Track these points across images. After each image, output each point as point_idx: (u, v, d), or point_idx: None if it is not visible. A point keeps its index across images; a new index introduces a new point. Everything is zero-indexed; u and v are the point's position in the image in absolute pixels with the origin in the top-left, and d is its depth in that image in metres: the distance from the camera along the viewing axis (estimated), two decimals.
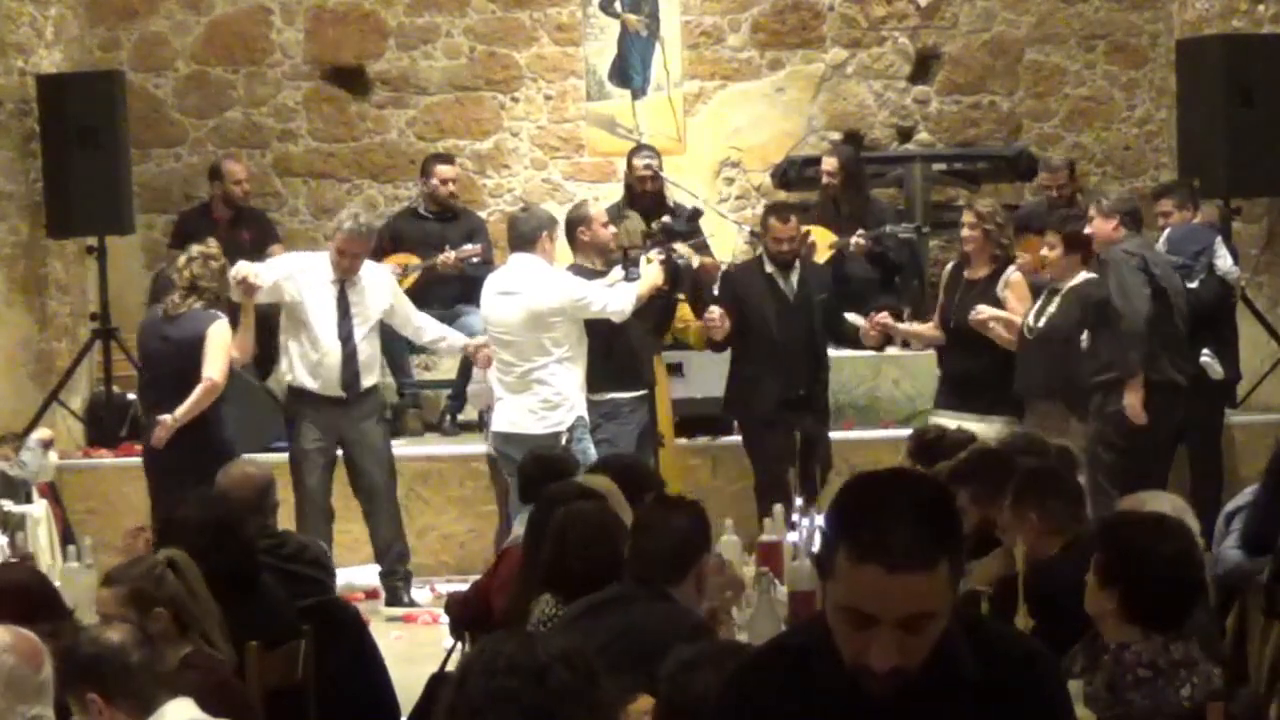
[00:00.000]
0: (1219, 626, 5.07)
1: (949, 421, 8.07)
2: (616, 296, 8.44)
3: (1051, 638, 4.03)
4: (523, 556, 5.49)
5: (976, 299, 8.38)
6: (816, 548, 4.83)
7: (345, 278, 8.56)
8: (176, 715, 3.79)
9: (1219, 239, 9.09)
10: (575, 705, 2.64)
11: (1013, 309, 8.33)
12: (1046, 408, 8.09)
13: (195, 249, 8.15)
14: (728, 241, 10.66)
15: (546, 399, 8.23)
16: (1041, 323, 8.17)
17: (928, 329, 8.85)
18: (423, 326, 8.94)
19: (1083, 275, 8.20)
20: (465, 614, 5.95)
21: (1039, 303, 8.25)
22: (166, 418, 7.90)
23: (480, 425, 9.35)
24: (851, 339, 9.07)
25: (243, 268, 8.31)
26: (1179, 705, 3.92)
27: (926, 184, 10.77)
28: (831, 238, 10.00)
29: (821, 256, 9.93)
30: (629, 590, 4.50)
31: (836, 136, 11.60)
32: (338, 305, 8.55)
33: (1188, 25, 11.05)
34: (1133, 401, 7.99)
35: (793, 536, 6.31)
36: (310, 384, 8.55)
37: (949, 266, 8.82)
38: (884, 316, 8.68)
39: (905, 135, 11.78)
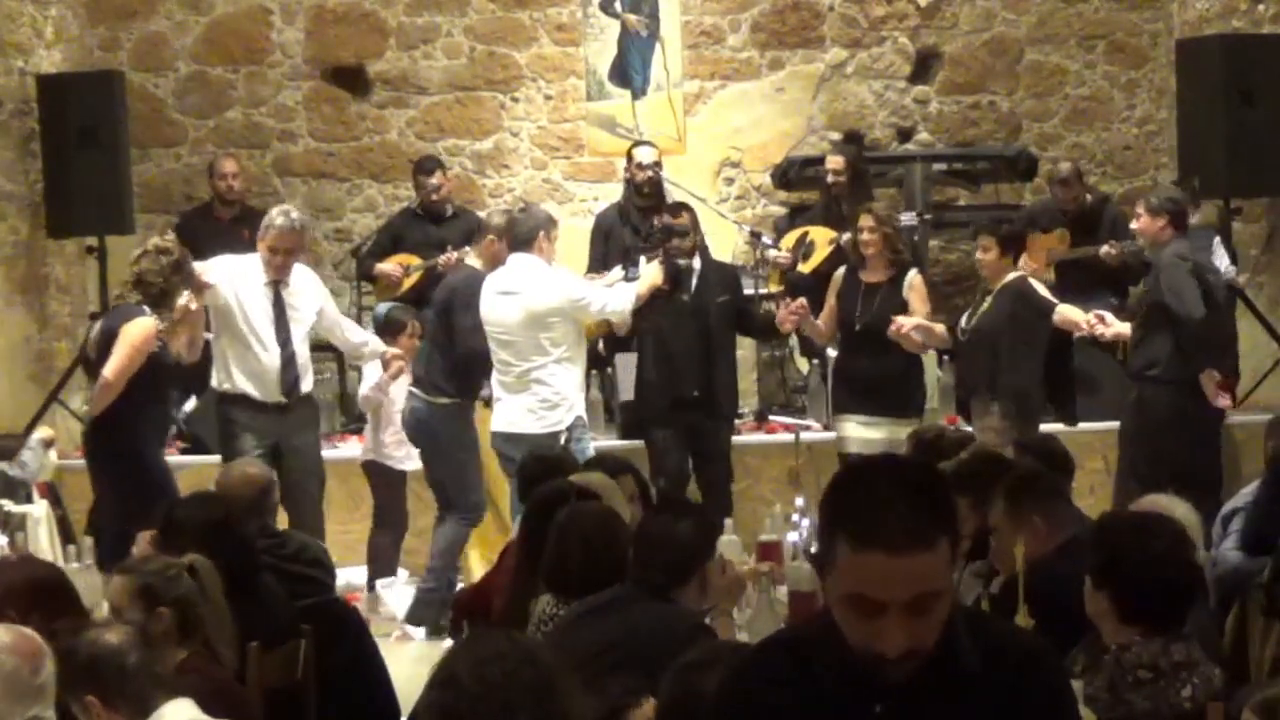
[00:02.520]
0: (1219, 627, 5.07)
1: (858, 429, 8.37)
2: (616, 297, 8.45)
3: (1052, 638, 4.03)
4: (517, 557, 5.50)
5: (883, 302, 8.46)
6: (814, 547, 4.87)
7: (279, 278, 8.35)
8: (175, 716, 3.79)
9: (1216, 240, 9.11)
10: (567, 681, 2.67)
11: (916, 310, 8.44)
12: (987, 404, 8.16)
13: (151, 242, 7.91)
14: (728, 241, 10.65)
15: (545, 399, 8.23)
16: (974, 322, 8.26)
17: (820, 327, 8.80)
18: (350, 331, 8.76)
19: (1013, 274, 8.32)
20: (472, 607, 5.95)
21: (974, 305, 8.37)
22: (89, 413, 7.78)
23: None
24: (767, 329, 9.09)
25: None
26: (1180, 706, 3.92)
27: (926, 184, 10.77)
28: (830, 235, 9.99)
29: (821, 254, 9.94)
30: (629, 592, 4.50)
31: (836, 136, 11.60)
32: (274, 308, 8.35)
33: (1188, 25, 11.05)
34: (1209, 387, 8.13)
35: (793, 536, 6.32)
36: (250, 390, 8.30)
37: (841, 270, 8.76)
38: (800, 303, 8.62)
39: (905, 135, 11.78)
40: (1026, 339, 8.32)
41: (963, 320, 8.38)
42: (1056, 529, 5.02)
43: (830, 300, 8.70)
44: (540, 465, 6.63)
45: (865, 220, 8.57)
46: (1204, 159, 9.92)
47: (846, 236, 9.75)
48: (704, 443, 8.73)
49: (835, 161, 10.20)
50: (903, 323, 8.33)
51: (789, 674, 2.66)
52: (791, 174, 11.00)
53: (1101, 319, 8.29)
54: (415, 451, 8.86)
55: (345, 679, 5.42)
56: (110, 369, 7.55)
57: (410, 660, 7.42)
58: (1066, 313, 8.39)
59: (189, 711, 3.81)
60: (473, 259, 8.72)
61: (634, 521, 5.15)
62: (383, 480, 8.99)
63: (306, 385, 8.47)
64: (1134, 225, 8.44)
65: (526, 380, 8.25)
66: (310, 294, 8.52)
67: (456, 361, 8.50)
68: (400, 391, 8.86)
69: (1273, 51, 10.04)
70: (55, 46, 10.69)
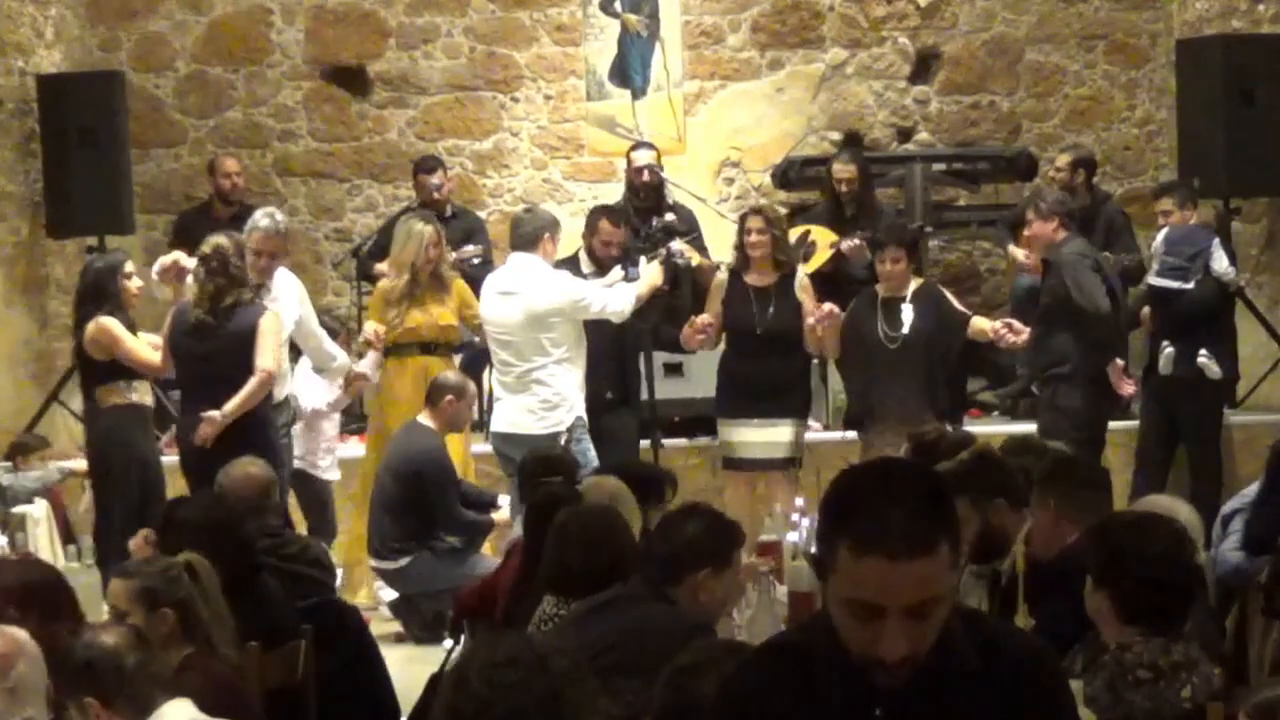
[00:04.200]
0: (1219, 627, 5.07)
1: (756, 432, 8.34)
2: (616, 297, 8.44)
3: (1051, 638, 4.03)
4: (522, 558, 5.51)
5: (781, 304, 8.39)
6: (814, 548, 4.84)
7: (260, 281, 8.15)
8: (175, 716, 3.79)
9: (1215, 240, 9.11)
10: (576, 689, 2.67)
11: (809, 311, 8.37)
12: (923, 409, 8.21)
13: (214, 244, 7.75)
14: (728, 241, 10.63)
15: (546, 399, 8.23)
16: (904, 330, 8.27)
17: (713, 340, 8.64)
18: (325, 343, 8.57)
19: (917, 281, 8.46)
20: (475, 608, 5.95)
21: (881, 314, 8.34)
22: (214, 414, 7.54)
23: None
24: (675, 345, 8.95)
25: (175, 254, 8.01)
26: (1179, 706, 3.92)
27: (926, 184, 10.77)
28: (832, 237, 9.98)
29: (822, 256, 9.93)
30: (629, 591, 4.50)
31: (836, 136, 11.61)
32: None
33: (1188, 25, 11.05)
34: (1116, 379, 8.37)
35: (793, 536, 6.32)
36: None
37: (724, 275, 8.66)
38: (705, 319, 8.50)
39: (905, 135, 11.78)
40: (956, 341, 8.46)
41: (883, 329, 8.33)
42: (1070, 515, 4.98)
43: (715, 307, 8.51)
44: (540, 465, 6.64)
45: (754, 222, 8.48)
46: (1204, 159, 9.92)
47: (847, 242, 9.76)
48: (612, 436, 8.73)
49: (847, 170, 10.09)
50: (833, 309, 8.29)
51: (788, 677, 2.66)
52: (791, 174, 11.00)
53: (1010, 326, 8.41)
54: (335, 460, 8.97)
55: (345, 679, 5.42)
56: (270, 360, 7.63)
57: (410, 660, 7.42)
58: (977, 323, 8.50)
59: (188, 712, 3.81)
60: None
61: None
62: (307, 488, 8.89)
63: (280, 393, 8.19)
64: (1027, 232, 8.73)
65: (527, 381, 8.25)
66: (290, 301, 8.34)
67: (418, 527, 8.44)
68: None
69: (1273, 51, 10.04)
70: (55, 46, 10.70)
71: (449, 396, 8.44)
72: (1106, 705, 3.95)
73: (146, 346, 7.82)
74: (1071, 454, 5.55)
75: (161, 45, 11.57)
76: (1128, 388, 8.46)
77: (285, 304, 8.33)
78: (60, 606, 4.41)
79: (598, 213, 9.12)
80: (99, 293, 7.83)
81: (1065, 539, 4.92)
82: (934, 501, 2.55)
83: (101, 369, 7.83)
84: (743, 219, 8.68)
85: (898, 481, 2.56)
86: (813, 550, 5.25)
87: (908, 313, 8.29)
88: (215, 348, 7.68)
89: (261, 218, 8.32)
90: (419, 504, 8.39)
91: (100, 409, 7.92)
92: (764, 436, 8.37)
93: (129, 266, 7.97)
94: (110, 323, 7.76)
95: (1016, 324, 8.47)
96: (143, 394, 7.97)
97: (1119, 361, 8.41)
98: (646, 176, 10.05)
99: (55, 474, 8.47)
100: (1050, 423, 8.38)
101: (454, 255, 9.91)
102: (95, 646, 3.81)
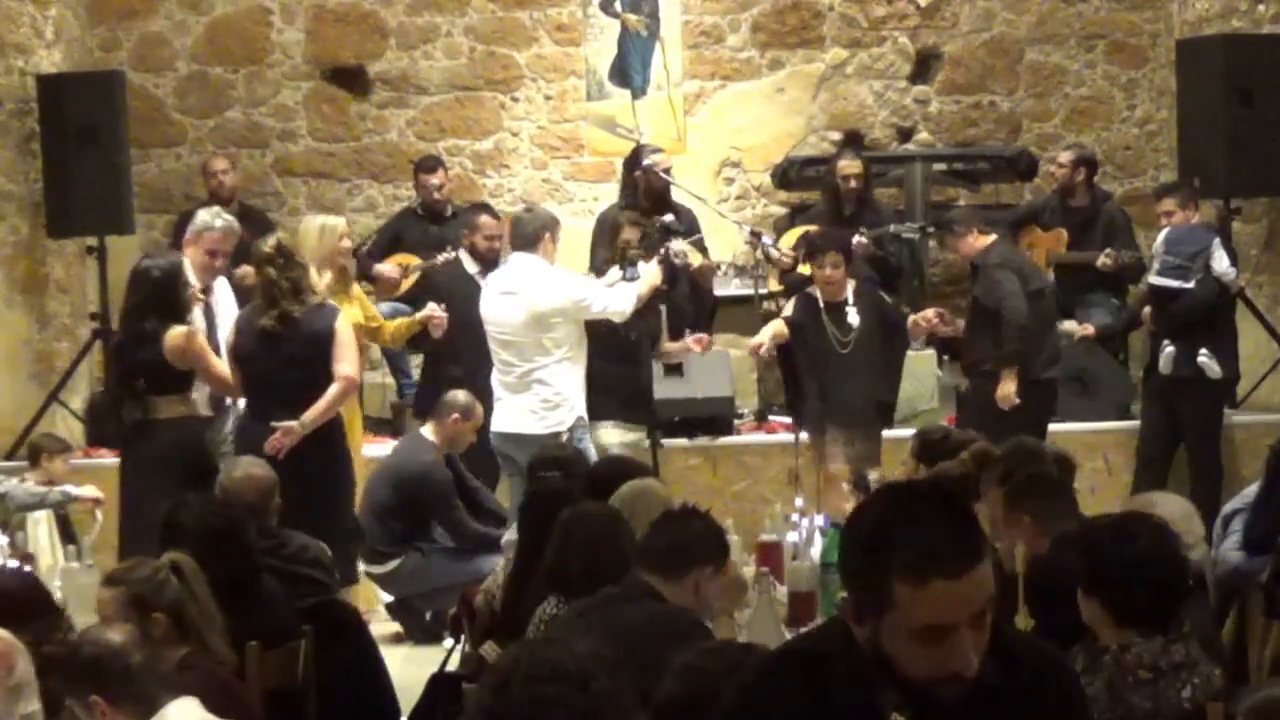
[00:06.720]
0: (1219, 627, 5.07)
1: (621, 433, 8.45)
2: (617, 297, 8.44)
3: (1051, 638, 4.03)
4: (516, 557, 5.50)
5: (650, 314, 8.59)
6: (835, 585, 4.80)
7: (207, 284, 7.94)
8: (179, 715, 3.79)
9: (1216, 240, 9.12)
10: (615, 710, 2.68)
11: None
12: (874, 414, 8.51)
13: (274, 247, 7.48)
14: (728, 241, 10.64)
15: (546, 399, 8.23)
16: (853, 333, 8.46)
17: None
18: None
19: (852, 283, 8.62)
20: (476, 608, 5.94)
21: (827, 319, 8.50)
22: (293, 424, 7.28)
23: None
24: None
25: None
26: (1179, 706, 3.92)
27: (926, 184, 10.77)
28: None
29: None
30: (622, 591, 4.49)
31: (836, 136, 11.61)
32: (205, 317, 7.91)
33: (1188, 25, 11.04)
34: (1007, 389, 8.56)
35: (793, 536, 6.31)
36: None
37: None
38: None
39: (905, 135, 11.78)
40: (903, 334, 8.68)
41: (834, 334, 8.47)
42: (1046, 528, 4.99)
43: None
44: (549, 465, 6.62)
45: (631, 233, 8.76)
46: (1204, 159, 9.92)
47: (857, 240, 9.75)
48: None
49: (853, 166, 10.10)
50: (701, 337, 8.81)
51: (804, 687, 2.67)
52: (791, 174, 11.00)
53: (942, 316, 8.68)
54: None
55: (345, 679, 5.42)
56: (353, 367, 7.49)
57: (410, 660, 7.43)
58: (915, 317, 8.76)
59: (194, 711, 3.81)
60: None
61: None
62: None
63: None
64: (959, 245, 8.96)
65: (528, 380, 8.24)
66: (229, 304, 8.18)
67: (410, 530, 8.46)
68: None
69: (1273, 51, 10.03)
70: (55, 46, 10.68)
71: (455, 415, 8.45)
72: (1106, 706, 3.95)
73: (225, 365, 7.47)
74: (1039, 468, 5.51)
75: (161, 45, 11.57)
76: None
77: (226, 309, 8.20)
78: (34, 610, 4.41)
79: (478, 209, 9.32)
80: (167, 301, 7.38)
81: (1044, 551, 4.93)
82: (963, 511, 2.62)
83: (176, 376, 7.38)
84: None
85: (925, 505, 2.61)
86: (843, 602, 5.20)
87: (853, 314, 8.50)
88: (290, 352, 7.40)
89: (215, 219, 8.07)
90: (410, 510, 8.43)
91: (159, 420, 7.41)
92: (624, 437, 8.51)
93: (188, 272, 7.56)
94: (198, 336, 7.39)
95: (947, 314, 8.77)
96: (200, 401, 7.60)
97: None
98: (662, 170, 9.95)
99: (59, 496, 8.19)
100: (974, 420, 8.44)
101: (454, 255, 9.91)
102: (101, 644, 3.81)
